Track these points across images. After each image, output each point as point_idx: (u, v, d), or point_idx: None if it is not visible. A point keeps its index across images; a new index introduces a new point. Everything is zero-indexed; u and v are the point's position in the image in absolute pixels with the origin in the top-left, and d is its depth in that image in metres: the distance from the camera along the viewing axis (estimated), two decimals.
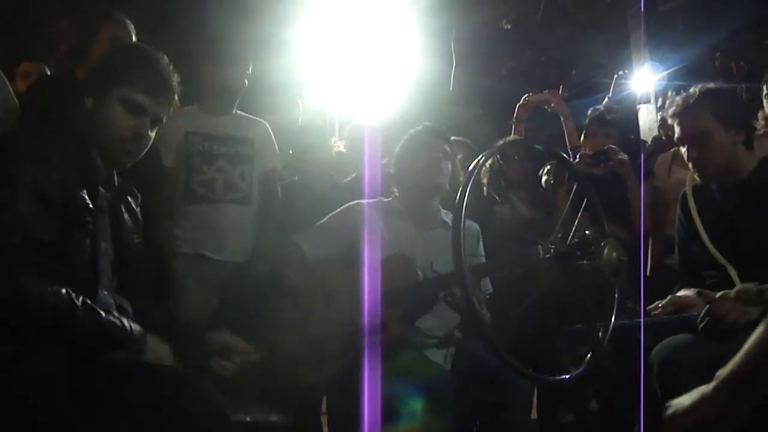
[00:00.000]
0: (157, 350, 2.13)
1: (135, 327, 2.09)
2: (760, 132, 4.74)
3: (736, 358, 1.59)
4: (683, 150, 2.94)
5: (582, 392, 3.37)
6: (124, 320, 2.07)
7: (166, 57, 2.32)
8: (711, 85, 3.00)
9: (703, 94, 2.89)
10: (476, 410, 2.89)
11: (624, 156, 4.12)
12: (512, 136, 4.52)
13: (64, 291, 1.95)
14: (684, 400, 1.69)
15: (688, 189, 3.02)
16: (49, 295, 1.93)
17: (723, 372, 1.61)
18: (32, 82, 3.72)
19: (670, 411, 1.72)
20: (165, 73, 2.28)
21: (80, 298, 1.98)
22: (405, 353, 2.75)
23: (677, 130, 2.93)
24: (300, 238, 3.12)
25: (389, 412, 2.53)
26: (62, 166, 2.08)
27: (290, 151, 4.31)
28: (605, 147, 4.20)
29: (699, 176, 2.94)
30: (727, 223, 2.84)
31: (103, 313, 2.02)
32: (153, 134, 2.30)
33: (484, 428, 2.90)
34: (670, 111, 2.95)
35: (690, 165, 2.94)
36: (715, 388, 1.62)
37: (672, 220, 4.05)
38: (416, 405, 2.61)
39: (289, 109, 4.77)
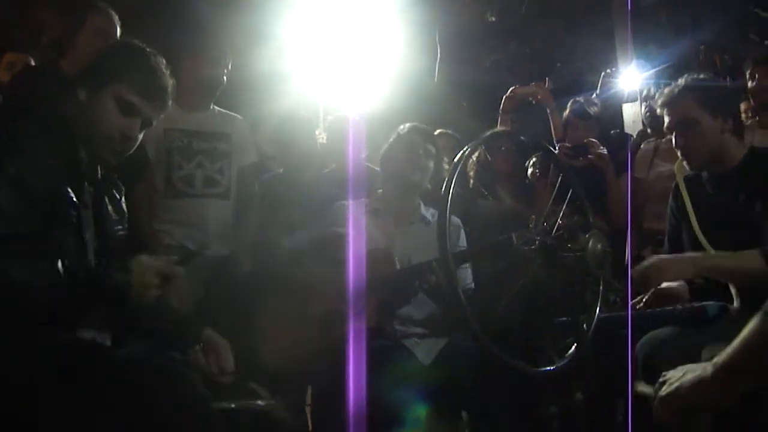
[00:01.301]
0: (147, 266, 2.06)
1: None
2: (747, 123, 4.77)
3: (734, 344, 1.64)
4: (672, 138, 2.97)
5: (566, 384, 3.38)
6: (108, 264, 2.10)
7: (164, 61, 2.31)
8: (698, 75, 3.03)
9: (690, 84, 2.93)
10: (464, 402, 2.89)
11: (603, 150, 4.14)
12: (498, 128, 4.53)
13: (44, 270, 1.95)
14: (679, 380, 1.74)
15: (679, 178, 3.06)
16: (34, 273, 1.93)
17: (721, 357, 1.67)
18: (16, 73, 3.70)
19: (664, 390, 1.77)
20: (163, 78, 2.27)
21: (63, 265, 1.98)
22: (382, 344, 2.76)
23: (665, 119, 2.97)
24: (287, 241, 3.15)
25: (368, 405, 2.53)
26: (46, 159, 2.07)
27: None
28: (585, 140, 4.22)
29: (687, 164, 2.98)
30: (717, 213, 2.87)
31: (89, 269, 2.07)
32: (141, 136, 2.29)
33: (473, 420, 2.92)
34: (659, 101, 2.99)
35: (678, 153, 2.97)
36: (714, 372, 1.67)
37: (651, 213, 4.09)
38: (391, 398, 2.61)
39: (273, 102, 4.76)
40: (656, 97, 3.06)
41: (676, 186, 3.09)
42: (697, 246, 2.88)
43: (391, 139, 3.34)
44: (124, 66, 2.23)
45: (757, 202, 2.76)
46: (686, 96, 2.91)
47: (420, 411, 2.67)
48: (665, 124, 3.00)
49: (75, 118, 2.21)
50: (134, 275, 1.99)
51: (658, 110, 3.04)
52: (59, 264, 1.97)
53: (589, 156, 4.12)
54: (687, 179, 3.04)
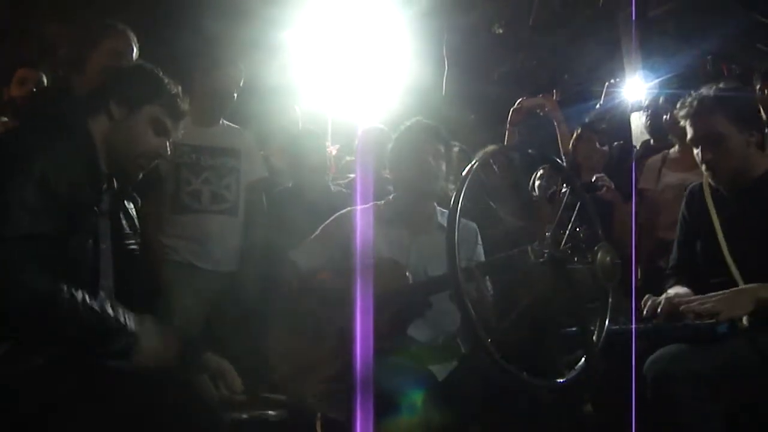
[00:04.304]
0: (155, 340, 2.15)
1: (131, 322, 2.11)
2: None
3: None
4: (696, 151, 2.88)
5: (575, 396, 3.37)
6: (121, 314, 2.10)
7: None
8: (721, 86, 2.90)
9: (717, 96, 2.81)
10: (476, 416, 2.89)
11: (611, 184, 4.14)
12: (506, 141, 4.56)
13: (65, 287, 1.98)
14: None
15: (706, 188, 2.97)
16: (50, 290, 1.96)
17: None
18: (29, 90, 3.73)
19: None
20: (185, 101, 2.39)
21: (80, 293, 2.01)
22: (392, 359, 2.74)
23: (689, 131, 2.86)
24: (295, 253, 3.10)
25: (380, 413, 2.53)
26: (69, 164, 2.12)
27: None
28: (594, 178, 4.22)
29: (712, 178, 2.88)
30: (740, 227, 2.80)
31: (106, 310, 2.06)
32: None
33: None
34: (683, 112, 2.87)
35: (703, 167, 2.87)
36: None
37: (664, 223, 4.07)
38: (402, 412, 2.61)
39: (283, 115, 4.79)
40: (679, 106, 2.92)
41: (691, 195, 3.02)
42: (716, 259, 2.80)
43: (396, 137, 3.18)
44: (158, 89, 2.33)
45: None
46: (713, 110, 2.78)
47: (432, 425, 2.66)
48: (688, 137, 2.89)
49: (108, 130, 2.27)
50: (139, 338, 2.11)
51: (681, 121, 2.91)
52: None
53: (598, 192, 4.13)
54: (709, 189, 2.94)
